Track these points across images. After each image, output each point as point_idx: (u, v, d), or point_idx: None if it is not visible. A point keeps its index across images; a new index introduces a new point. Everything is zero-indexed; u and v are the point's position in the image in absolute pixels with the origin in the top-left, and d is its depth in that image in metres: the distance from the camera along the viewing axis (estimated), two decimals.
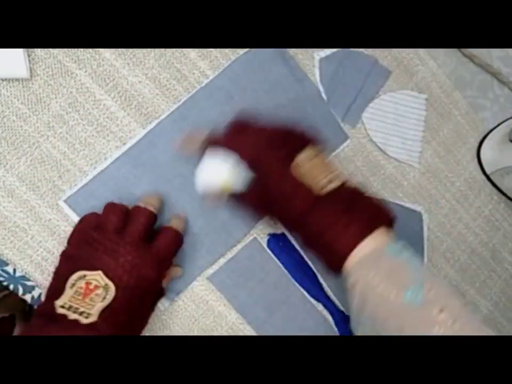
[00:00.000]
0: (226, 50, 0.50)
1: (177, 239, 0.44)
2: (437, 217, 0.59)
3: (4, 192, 0.44)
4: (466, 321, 0.36)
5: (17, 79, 0.44)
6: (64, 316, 0.37)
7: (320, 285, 0.52)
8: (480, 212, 0.61)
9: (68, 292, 0.38)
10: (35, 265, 0.45)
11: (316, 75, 0.54)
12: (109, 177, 0.46)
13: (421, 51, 0.58)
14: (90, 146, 0.46)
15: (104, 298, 0.38)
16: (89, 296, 0.38)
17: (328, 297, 0.52)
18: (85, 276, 0.39)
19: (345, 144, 0.54)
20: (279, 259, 0.51)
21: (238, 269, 0.50)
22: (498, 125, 0.60)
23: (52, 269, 0.45)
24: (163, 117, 0.48)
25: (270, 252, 0.51)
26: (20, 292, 0.44)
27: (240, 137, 0.43)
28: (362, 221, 0.39)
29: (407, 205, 0.57)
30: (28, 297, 0.44)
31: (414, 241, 0.57)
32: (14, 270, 0.44)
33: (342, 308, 0.53)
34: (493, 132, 0.60)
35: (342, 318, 0.52)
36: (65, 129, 0.45)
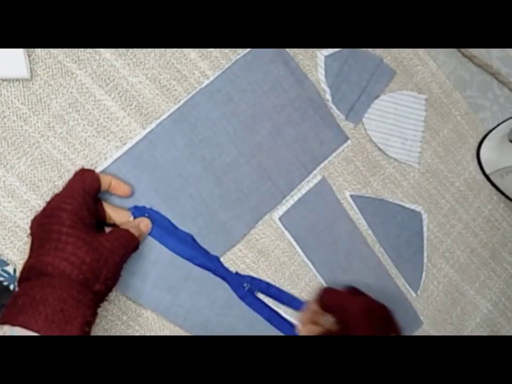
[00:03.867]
0: (227, 50, 0.50)
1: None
2: (437, 217, 0.59)
3: (4, 192, 0.44)
4: None
5: (17, 79, 0.44)
6: None
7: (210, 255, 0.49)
8: (480, 212, 0.61)
9: None
10: None
11: (318, 73, 0.54)
12: None
13: (421, 51, 0.58)
14: (91, 146, 0.46)
15: None
16: None
17: (218, 263, 0.49)
18: None
19: (345, 144, 0.55)
20: (166, 245, 0.48)
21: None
22: (498, 125, 0.60)
23: None
24: (163, 117, 0.48)
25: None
26: None
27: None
28: None
29: (407, 205, 0.57)
30: None
31: (414, 241, 0.57)
32: (14, 270, 0.44)
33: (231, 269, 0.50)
34: (493, 132, 0.60)
35: (236, 280, 0.50)
36: (65, 129, 0.45)
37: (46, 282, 0.36)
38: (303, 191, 0.52)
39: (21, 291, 0.37)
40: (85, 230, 0.39)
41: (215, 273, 0.49)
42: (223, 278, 0.49)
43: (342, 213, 0.54)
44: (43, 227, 0.39)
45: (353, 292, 0.52)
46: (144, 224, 0.45)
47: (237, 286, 0.50)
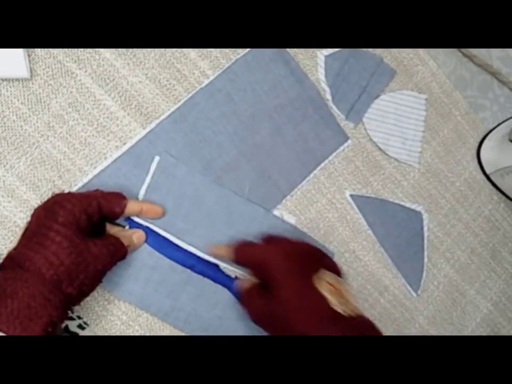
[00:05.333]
0: (227, 50, 0.50)
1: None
2: (437, 217, 0.59)
3: (3, 192, 0.44)
4: None
5: (17, 79, 0.44)
6: None
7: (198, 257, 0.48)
8: (480, 212, 0.61)
9: None
10: None
11: (318, 73, 0.54)
12: (109, 177, 0.46)
13: (421, 51, 0.58)
14: (90, 146, 0.46)
15: None
16: None
17: (219, 270, 0.49)
18: None
19: (345, 144, 0.55)
20: (165, 254, 0.47)
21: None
22: (498, 125, 0.60)
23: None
24: (163, 117, 0.48)
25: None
26: None
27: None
28: None
29: (407, 205, 0.57)
30: None
31: (414, 241, 0.57)
32: None
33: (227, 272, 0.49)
34: (493, 132, 0.60)
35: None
36: (65, 129, 0.45)
37: (19, 276, 0.36)
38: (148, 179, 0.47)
39: None
40: (76, 231, 0.39)
41: (216, 280, 0.49)
42: (224, 285, 0.49)
43: (203, 182, 0.48)
44: (38, 219, 0.39)
45: (268, 239, 0.48)
46: (137, 236, 0.45)
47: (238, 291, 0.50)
